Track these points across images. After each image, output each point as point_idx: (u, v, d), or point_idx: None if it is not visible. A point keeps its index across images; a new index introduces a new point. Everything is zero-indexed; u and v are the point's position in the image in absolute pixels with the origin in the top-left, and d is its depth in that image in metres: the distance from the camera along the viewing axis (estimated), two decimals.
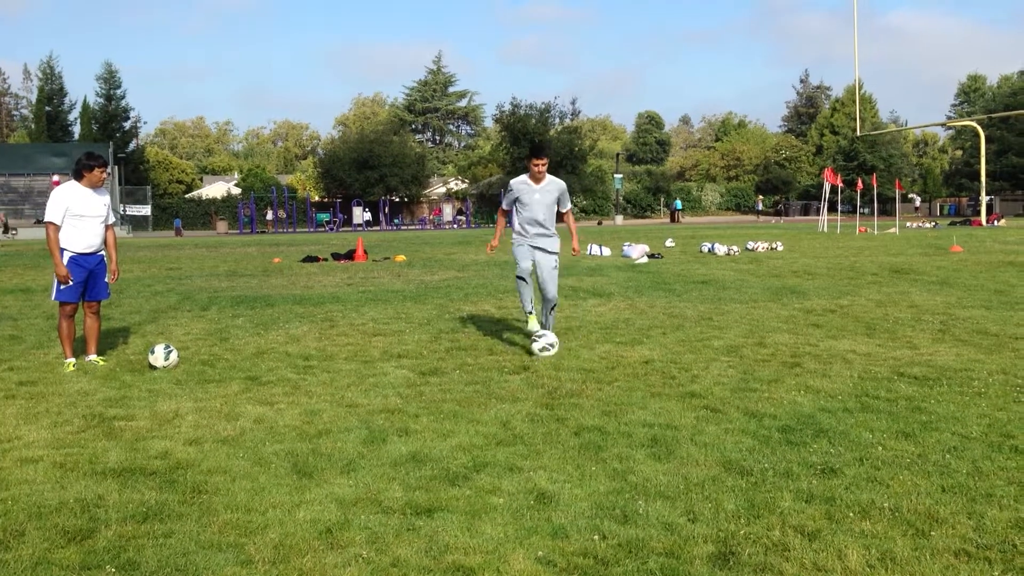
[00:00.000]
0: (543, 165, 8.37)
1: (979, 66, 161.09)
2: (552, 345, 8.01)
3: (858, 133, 61.27)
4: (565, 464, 4.81)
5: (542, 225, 8.42)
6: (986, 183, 50.57)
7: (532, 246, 8.43)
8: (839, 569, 3.46)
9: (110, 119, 65.93)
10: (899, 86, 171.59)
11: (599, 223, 63.43)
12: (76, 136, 64.97)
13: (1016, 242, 25.55)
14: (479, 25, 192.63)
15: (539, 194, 8.40)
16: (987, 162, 52.96)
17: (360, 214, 56.94)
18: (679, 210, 69.18)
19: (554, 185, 8.49)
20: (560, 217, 8.63)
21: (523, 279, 8.47)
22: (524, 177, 8.50)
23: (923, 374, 6.96)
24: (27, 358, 8.23)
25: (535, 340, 8.05)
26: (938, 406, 5.93)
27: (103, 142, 56.36)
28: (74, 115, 67.36)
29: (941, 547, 3.64)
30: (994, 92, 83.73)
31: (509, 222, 9.19)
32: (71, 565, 3.58)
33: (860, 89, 67.04)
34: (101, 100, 66.64)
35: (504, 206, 8.80)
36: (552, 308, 8.59)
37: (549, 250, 8.43)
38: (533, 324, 8.45)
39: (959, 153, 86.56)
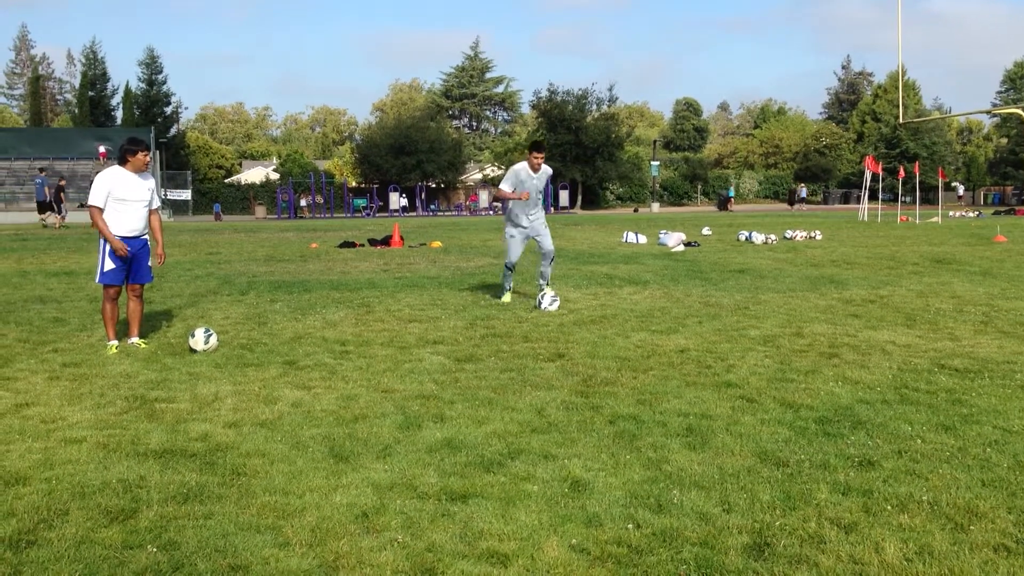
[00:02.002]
0: (542, 158, 10.52)
1: None
2: (555, 298, 10.19)
3: (901, 120, 60.09)
4: (599, 452, 4.82)
5: (535, 202, 10.69)
6: None
7: (525, 227, 10.65)
8: (876, 562, 3.44)
9: (152, 104, 66.62)
10: (943, 73, 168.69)
11: (635, 210, 63.11)
12: (119, 121, 65.67)
13: None
14: (516, 12, 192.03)
15: (536, 179, 10.54)
16: None
17: (397, 200, 57.10)
18: (731, 198, 66.31)
19: (546, 173, 10.67)
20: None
21: (510, 270, 10.87)
22: (524, 165, 10.49)
23: (964, 366, 6.86)
24: (71, 340, 8.38)
25: (551, 300, 10.11)
26: (979, 399, 5.85)
27: (145, 127, 56.90)
28: (117, 100, 68.08)
29: (980, 542, 3.60)
30: None
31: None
32: (113, 544, 3.65)
33: (903, 75, 65.86)
34: (143, 85, 67.34)
35: (504, 186, 10.59)
36: (551, 261, 10.88)
37: (540, 216, 10.79)
38: (507, 299, 10.83)
39: (1004, 141, 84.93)
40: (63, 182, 36.58)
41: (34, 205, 36.58)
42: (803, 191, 75.21)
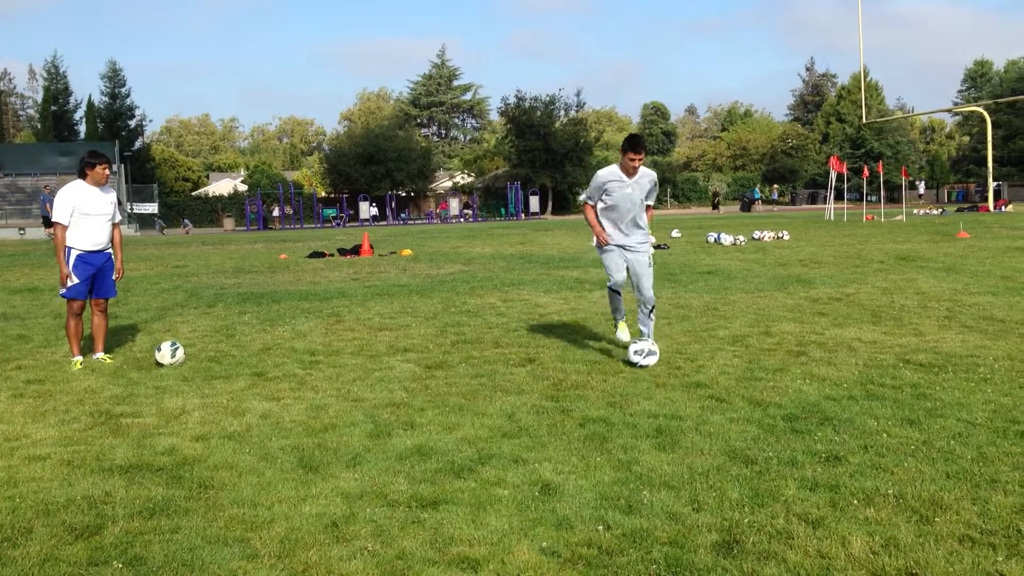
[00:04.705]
0: (640, 161, 7.39)
1: (986, 51, 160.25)
2: (653, 352, 7.19)
3: (864, 120, 61.07)
4: (570, 455, 4.82)
5: (633, 222, 7.59)
6: (993, 169, 50.33)
7: (622, 246, 7.59)
8: (843, 556, 3.47)
9: (115, 117, 65.95)
10: (905, 73, 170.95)
11: None
12: (82, 135, 64.97)
13: None
14: (483, 18, 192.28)
15: (631, 188, 7.46)
16: (994, 148, 52.70)
17: (367, 209, 56.91)
18: (757, 199, 62.27)
19: (647, 178, 7.56)
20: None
21: (617, 292, 7.67)
22: (614, 168, 7.56)
23: (929, 361, 6.95)
24: (35, 356, 8.27)
25: (634, 353, 7.18)
26: (943, 393, 5.93)
27: (109, 141, 56.37)
28: (79, 114, 67.37)
29: (945, 533, 3.64)
30: (1001, 77, 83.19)
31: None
32: (78, 561, 3.60)
33: (866, 76, 66.74)
34: (106, 99, 66.68)
35: (591, 201, 7.70)
36: (651, 310, 7.56)
37: (641, 248, 7.62)
38: (623, 332, 7.79)
39: (966, 139, 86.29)
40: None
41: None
42: (774, 194, 75.63)
